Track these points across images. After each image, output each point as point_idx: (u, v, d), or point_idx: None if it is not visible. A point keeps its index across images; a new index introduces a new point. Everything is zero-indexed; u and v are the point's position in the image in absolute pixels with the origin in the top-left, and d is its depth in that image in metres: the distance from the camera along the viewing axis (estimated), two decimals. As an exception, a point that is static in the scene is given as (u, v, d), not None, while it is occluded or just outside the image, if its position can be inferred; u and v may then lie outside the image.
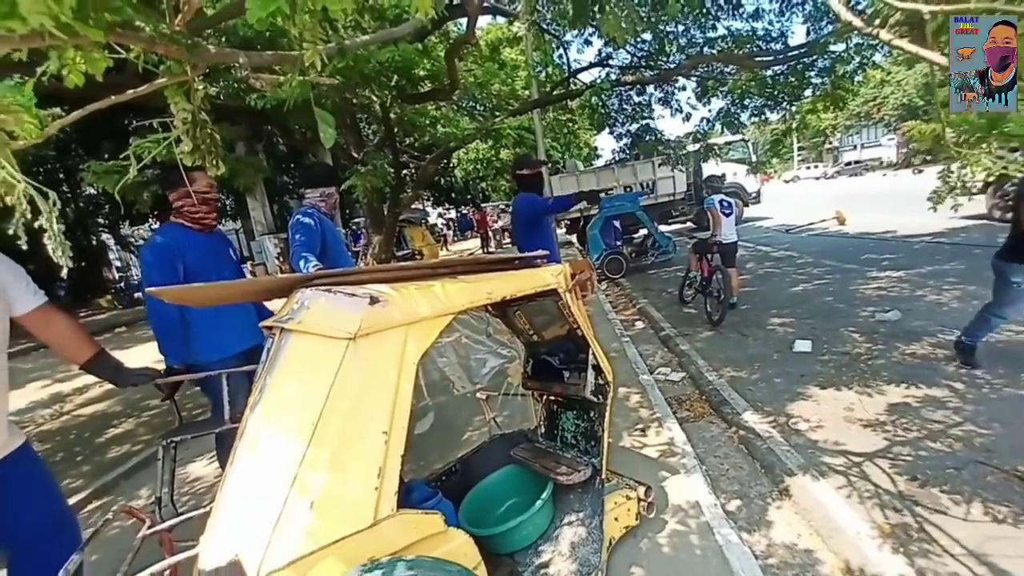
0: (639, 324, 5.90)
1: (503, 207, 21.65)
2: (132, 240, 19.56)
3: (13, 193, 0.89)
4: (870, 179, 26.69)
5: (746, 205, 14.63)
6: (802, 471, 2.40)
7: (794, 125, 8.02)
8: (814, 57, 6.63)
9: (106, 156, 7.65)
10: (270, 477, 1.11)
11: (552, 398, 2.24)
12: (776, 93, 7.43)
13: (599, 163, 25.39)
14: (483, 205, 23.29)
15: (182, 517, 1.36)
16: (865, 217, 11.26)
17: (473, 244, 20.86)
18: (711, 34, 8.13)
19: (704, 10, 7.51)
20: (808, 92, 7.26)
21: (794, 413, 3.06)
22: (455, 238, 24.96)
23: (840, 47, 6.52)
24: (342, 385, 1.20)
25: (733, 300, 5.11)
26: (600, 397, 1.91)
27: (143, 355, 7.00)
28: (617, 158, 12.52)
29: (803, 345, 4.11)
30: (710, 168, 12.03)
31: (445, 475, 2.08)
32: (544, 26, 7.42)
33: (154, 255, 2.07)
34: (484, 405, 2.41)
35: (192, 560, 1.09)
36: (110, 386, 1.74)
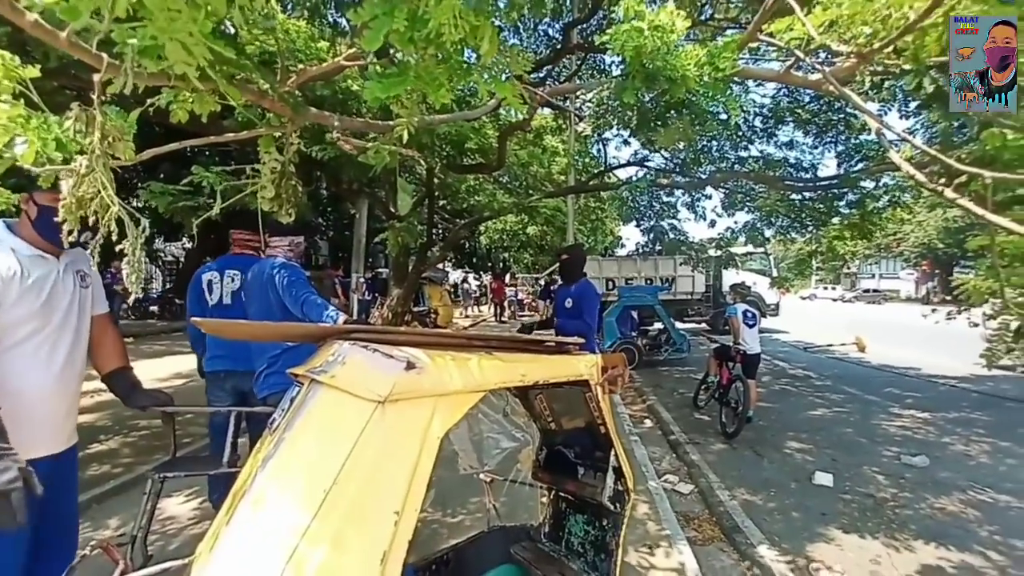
0: (647, 422, 5.67)
1: (538, 280, 21.73)
2: (162, 254, 20.14)
3: (107, 214, 0.92)
4: (888, 309, 26.63)
5: (763, 316, 14.60)
6: (825, 629, 2.15)
7: (820, 249, 8.18)
8: (844, 189, 6.90)
9: (162, 176, 8.12)
10: (268, 545, 1.02)
11: (562, 495, 2.09)
12: (804, 216, 7.68)
13: (621, 252, 26.03)
14: (518, 276, 23.76)
15: (158, 568, 1.24)
16: (885, 348, 11.08)
17: (479, 310, 20.96)
18: (743, 153, 8.64)
19: (740, 133, 8.04)
20: (836, 220, 7.49)
21: (815, 556, 2.80)
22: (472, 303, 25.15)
23: (870, 184, 6.80)
24: (362, 451, 1.14)
25: (750, 414, 4.92)
26: (617, 505, 1.77)
27: (145, 370, 6.90)
28: (640, 250, 12.84)
29: (824, 478, 3.86)
30: (730, 275, 12.20)
31: (436, 563, 1.90)
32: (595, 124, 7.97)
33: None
34: (488, 489, 2.25)
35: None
36: (102, 397, 1.75)
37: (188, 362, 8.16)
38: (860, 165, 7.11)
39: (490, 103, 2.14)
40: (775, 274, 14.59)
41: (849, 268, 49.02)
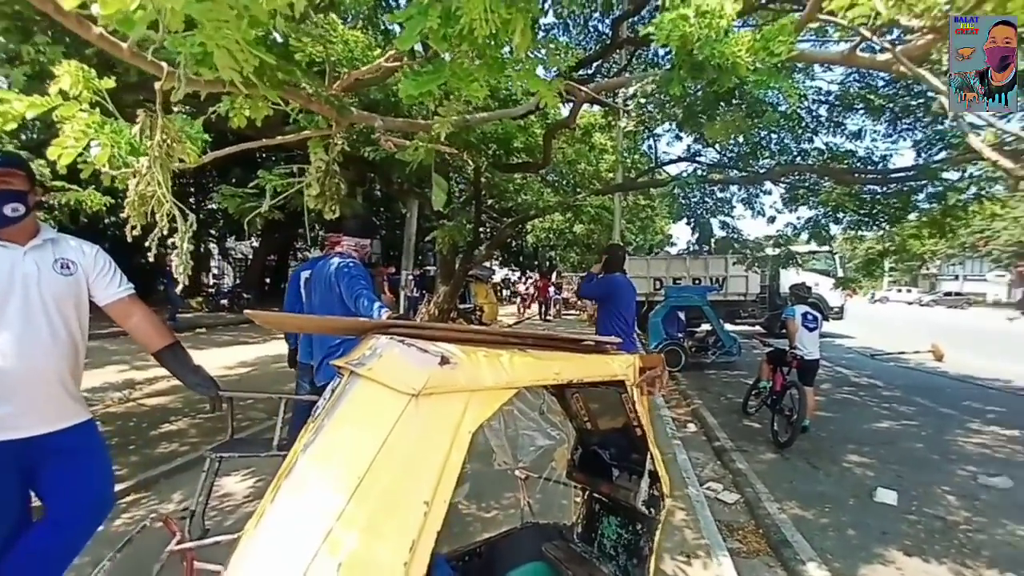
0: (691, 427, 5.48)
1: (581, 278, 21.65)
2: (232, 252, 21.71)
3: (161, 210, 1.01)
4: (972, 314, 24.16)
5: (826, 319, 13.68)
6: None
7: (892, 247, 7.54)
8: (923, 182, 6.32)
9: (233, 180, 8.73)
10: (306, 526, 1.08)
11: (596, 496, 2.07)
12: (875, 212, 7.10)
13: (672, 251, 25.23)
14: (563, 275, 23.67)
15: (210, 540, 1.36)
16: (967, 357, 10.08)
17: (525, 309, 20.97)
18: (806, 145, 8.08)
19: (802, 123, 7.54)
20: (912, 216, 6.87)
21: (872, 578, 2.61)
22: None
23: (954, 174, 6.18)
24: (395, 442, 1.18)
25: (806, 423, 4.63)
26: (652, 510, 1.73)
27: (213, 358, 7.49)
28: (690, 249, 12.39)
29: (887, 495, 3.58)
30: (790, 276, 11.51)
31: (469, 555, 1.94)
32: (640, 119, 7.76)
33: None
34: (522, 485, 2.27)
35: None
36: (176, 381, 1.84)
37: (254, 351, 8.77)
38: (942, 154, 6.48)
39: (531, 101, 2.14)
40: (840, 274, 13.60)
41: (927, 269, 44.92)
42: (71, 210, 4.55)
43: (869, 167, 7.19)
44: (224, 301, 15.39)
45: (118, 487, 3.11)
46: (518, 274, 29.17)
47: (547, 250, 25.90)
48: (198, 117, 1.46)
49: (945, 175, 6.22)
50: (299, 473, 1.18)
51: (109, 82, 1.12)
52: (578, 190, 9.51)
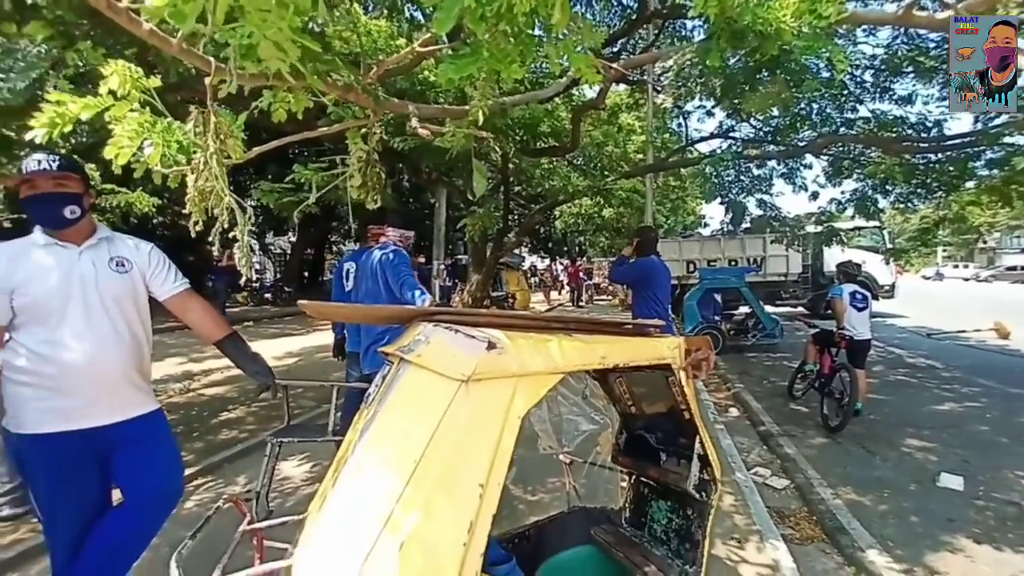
0: (733, 411, 5.35)
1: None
2: (272, 248, 22.52)
3: (220, 205, 1.04)
4: (1041, 290, 22.47)
5: (875, 298, 13.00)
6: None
7: (948, 215, 7.05)
8: (982, 147, 5.86)
9: (270, 176, 9.00)
10: (368, 508, 1.11)
11: (643, 480, 2.05)
12: (928, 181, 6.65)
13: (704, 232, 24.50)
14: (593, 260, 23.47)
15: (278, 520, 1.42)
16: (1037, 335, 9.40)
17: (558, 295, 20.87)
18: (851, 114, 7.61)
19: (846, 91, 7.10)
20: (970, 184, 6.40)
21: (938, 567, 2.48)
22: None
23: (1020, 138, 5.70)
24: (447, 427, 1.19)
25: (858, 406, 4.43)
26: (703, 494, 1.70)
27: (262, 349, 7.76)
28: (724, 229, 11.96)
29: (952, 480, 3.39)
30: (834, 253, 10.96)
31: (517, 538, 1.96)
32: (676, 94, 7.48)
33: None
34: (567, 470, 2.27)
35: (282, 570, 1.11)
36: (230, 372, 1.92)
37: (299, 342, 9.12)
38: (1003, 118, 5.97)
39: (561, 81, 2.09)
40: (889, 248, 12.84)
41: (985, 242, 41.95)
42: (122, 212, 4.81)
43: (922, 134, 6.72)
44: (268, 295, 16.01)
45: (187, 472, 3.30)
46: (547, 261, 28.97)
47: (576, 235, 25.63)
48: (239, 113, 1.48)
49: (1008, 139, 5.74)
50: (358, 458, 1.21)
51: (156, 81, 1.15)
52: (606, 173, 9.33)
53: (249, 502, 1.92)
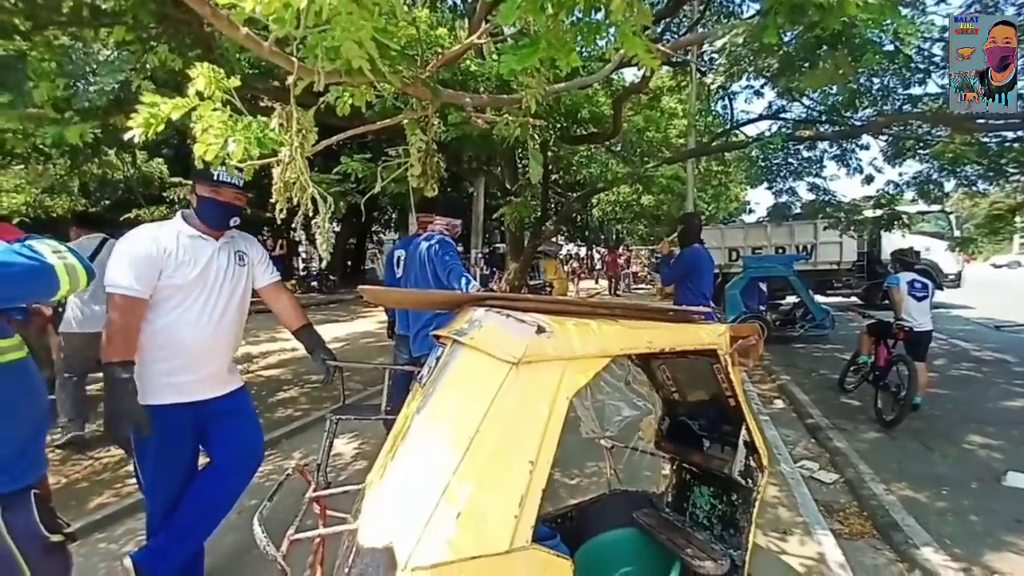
0: (778, 403, 5.19)
1: (655, 252, 21.05)
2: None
3: (304, 195, 1.13)
4: None
5: (939, 288, 12.14)
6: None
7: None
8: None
9: (316, 168, 9.33)
10: (426, 479, 1.19)
11: (686, 466, 2.06)
12: (1004, 163, 6.12)
13: (749, 219, 23.51)
14: (631, 248, 23.15)
15: (340, 489, 1.53)
16: None
17: (596, 283, 20.67)
18: (916, 90, 7.07)
19: (910, 65, 6.59)
20: (1054, 165, 5.86)
21: (1001, 568, 2.36)
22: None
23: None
24: (499, 407, 1.25)
25: (917, 400, 4.21)
26: (749, 481, 1.69)
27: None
28: (770, 215, 11.45)
29: (1019, 479, 3.19)
30: (894, 240, 10.30)
31: (560, 519, 2.01)
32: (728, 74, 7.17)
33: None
34: (608, 455, 2.30)
35: (347, 533, 1.21)
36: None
37: (345, 328, 9.52)
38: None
39: (606, 68, 2.08)
40: (957, 234, 11.90)
41: (1071, 228, 38.12)
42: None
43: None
44: (314, 283, 16.71)
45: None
46: (583, 249, 28.67)
47: (614, 223, 25.21)
48: (308, 109, 1.57)
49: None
50: (415, 433, 1.29)
51: (235, 81, 1.24)
52: (646, 159, 9.10)
53: (311, 473, 2.07)
